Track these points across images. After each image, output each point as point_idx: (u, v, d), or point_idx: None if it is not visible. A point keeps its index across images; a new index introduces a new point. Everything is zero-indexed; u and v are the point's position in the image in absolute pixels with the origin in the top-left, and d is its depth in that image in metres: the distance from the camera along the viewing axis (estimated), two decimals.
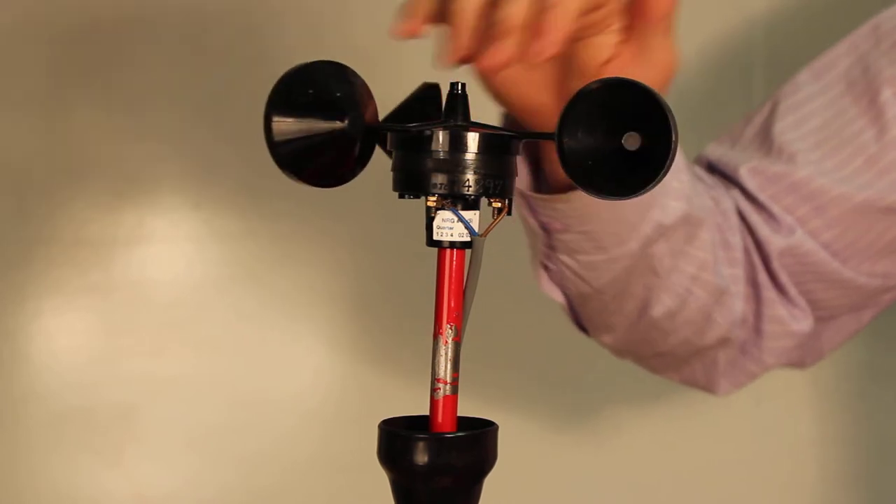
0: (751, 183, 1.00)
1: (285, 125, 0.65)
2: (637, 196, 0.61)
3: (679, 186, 0.91)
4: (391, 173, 0.66)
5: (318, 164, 0.66)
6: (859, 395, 1.57)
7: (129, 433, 1.51)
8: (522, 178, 0.89)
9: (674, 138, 0.60)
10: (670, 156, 0.60)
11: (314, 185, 0.66)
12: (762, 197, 1.00)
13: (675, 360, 1.04)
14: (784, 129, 1.02)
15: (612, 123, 0.61)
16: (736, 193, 1.01)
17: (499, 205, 0.65)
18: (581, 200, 0.86)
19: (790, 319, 1.00)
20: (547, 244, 0.92)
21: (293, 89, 0.65)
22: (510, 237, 1.50)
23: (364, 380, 1.53)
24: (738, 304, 1.00)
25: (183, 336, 1.51)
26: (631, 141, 0.61)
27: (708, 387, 1.06)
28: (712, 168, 1.05)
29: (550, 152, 0.85)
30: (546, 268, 0.96)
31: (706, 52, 1.52)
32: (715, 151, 1.06)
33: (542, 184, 0.90)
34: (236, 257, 1.51)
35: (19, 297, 1.49)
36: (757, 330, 1.02)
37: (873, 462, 1.57)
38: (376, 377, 1.53)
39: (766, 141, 1.03)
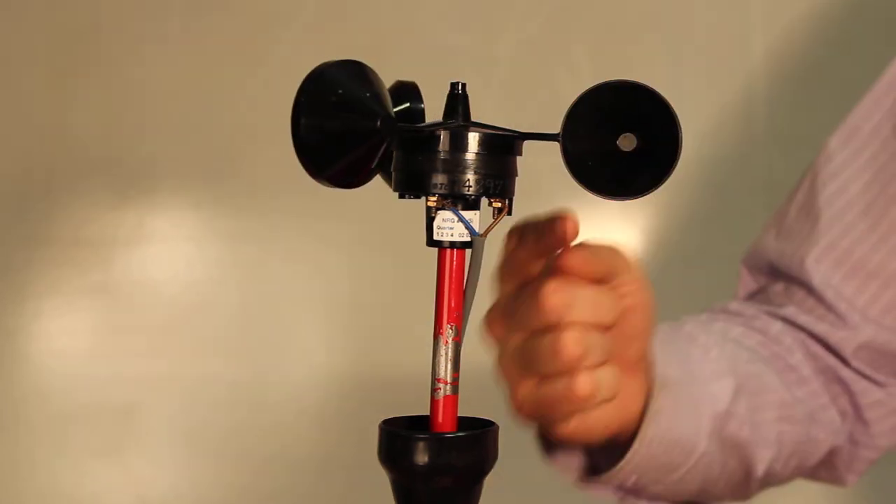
0: (817, 275, 0.99)
1: (315, 125, 0.63)
2: (643, 196, 0.61)
3: (715, 367, 0.91)
4: (392, 173, 0.66)
5: (343, 164, 0.65)
6: None
7: (130, 433, 1.51)
8: (573, 467, 0.89)
9: (679, 138, 0.60)
10: (677, 156, 0.60)
11: (336, 186, 0.65)
12: (829, 292, 0.99)
13: (792, 479, 1.04)
14: (828, 199, 1.01)
15: (616, 125, 0.61)
16: (791, 310, 1.00)
17: (499, 205, 0.64)
18: (640, 453, 0.85)
19: (889, 398, 1.00)
20: (630, 493, 0.92)
21: (322, 89, 0.64)
22: None
23: (364, 380, 1.53)
24: (831, 413, 1.00)
25: (183, 336, 1.51)
26: (626, 142, 0.61)
27: (834, 483, 1.06)
28: (775, 270, 1.03)
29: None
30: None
31: (705, 53, 1.52)
32: (771, 247, 1.04)
33: (597, 465, 0.90)
34: (236, 257, 1.51)
35: (20, 297, 1.50)
36: (861, 420, 1.01)
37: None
38: (376, 377, 1.52)
39: (811, 215, 1.02)
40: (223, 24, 1.49)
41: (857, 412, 1.02)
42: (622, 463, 0.85)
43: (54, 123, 1.49)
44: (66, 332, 1.50)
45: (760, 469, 0.96)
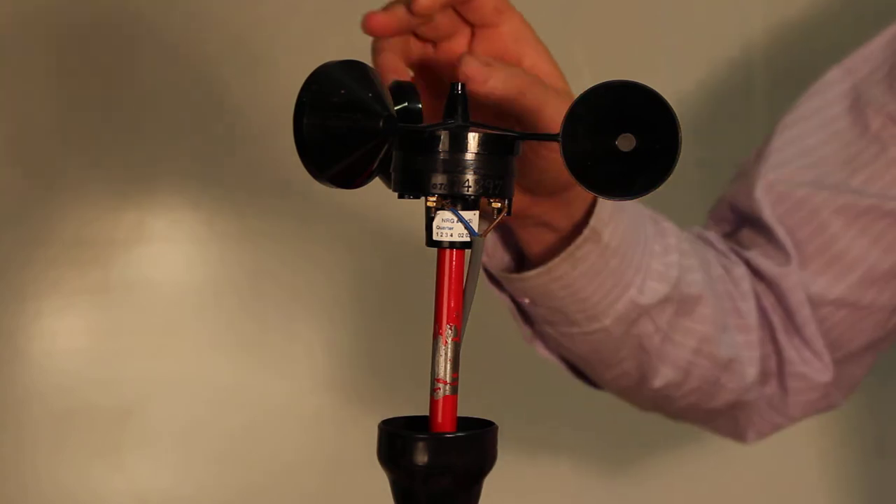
0: (766, 208, 1.00)
1: (317, 125, 0.63)
2: (642, 196, 0.62)
3: (662, 269, 0.91)
4: (391, 173, 0.66)
5: (345, 165, 0.65)
6: (860, 390, 1.57)
7: (129, 433, 1.51)
8: (493, 256, 0.90)
9: (679, 139, 0.61)
10: (676, 156, 0.61)
11: (337, 187, 0.65)
12: (779, 231, 0.99)
13: (689, 418, 1.05)
14: (780, 145, 1.03)
15: (616, 125, 0.61)
16: (753, 253, 1.01)
17: (498, 205, 0.65)
18: (535, 280, 0.86)
19: (813, 373, 1.01)
20: (521, 316, 0.93)
21: (325, 88, 0.64)
22: None
23: (363, 380, 1.53)
24: (751, 370, 1.00)
25: (183, 336, 1.51)
26: (625, 142, 0.61)
27: (733, 438, 1.08)
28: (736, 212, 1.04)
29: (524, 234, 0.86)
30: (539, 337, 0.97)
31: (705, 53, 1.52)
32: (728, 191, 1.06)
33: (516, 260, 0.91)
34: (236, 257, 1.51)
35: (19, 298, 1.50)
36: (782, 386, 1.02)
37: (874, 459, 1.57)
38: (376, 377, 1.53)
39: (761, 156, 1.03)
40: (223, 24, 1.49)
41: (780, 378, 1.02)
42: (523, 274, 0.87)
43: (54, 123, 1.50)
44: (66, 332, 1.50)
45: (657, 383, 0.96)
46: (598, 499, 1.56)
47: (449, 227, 0.64)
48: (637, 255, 0.89)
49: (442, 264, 0.65)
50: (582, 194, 0.84)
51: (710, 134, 1.51)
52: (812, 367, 1.01)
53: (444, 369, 0.65)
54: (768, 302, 1.00)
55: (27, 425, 1.50)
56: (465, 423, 0.66)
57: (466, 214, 0.64)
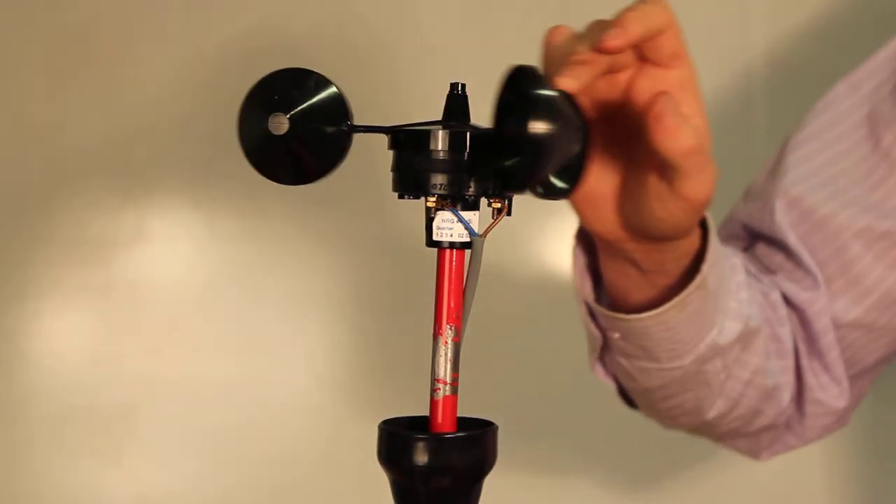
0: (790, 233, 0.99)
1: (254, 127, 0.72)
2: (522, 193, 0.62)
3: (737, 307, 0.91)
4: (391, 173, 0.66)
5: (286, 163, 0.68)
6: None
7: (129, 433, 1.51)
8: (585, 286, 0.90)
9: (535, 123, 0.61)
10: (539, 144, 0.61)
11: (283, 183, 0.69)
12: (803, 252, 0.99)
13: (720, 439, 1.05)
14: (795, 161, 1.02)
15: (516, 114, 0.62)
16: (780, 277, 1.00)
17: (498, 205, 0.65)
18: (641, 322, 0.86)
19: (830, 400, 1.01)
20: (603, 345, 0.93)
21: (262, 94, 0.70)
22: (510, 237, 1.50)
23: (364, 380, 1.53)
24: (786, 395, 1.01)
25: (183, 336, 1.51)
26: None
27: (748, 454, 1.08)
28: (750, 232, 1.04)
29: (609, 263, 0.86)
30: (600, 359, 0.96)
31: (705, 53, 1.52)
32: (740, 211, 1.06)
33: (601, 292, 0.91)
34: (236, 257, 1.51)
35: (19, 297, 1.50)
36: (800, 410, 1.02)
37: (876, 458, 1.57)
38: (376, 377, 1.53)
39: (777, 175, 1.03)
40: (223, 24, 1.49)
41: (799, 402, 1.03)
42: (631, 315, 0.86)
43: (54, 123, 1.50)
44: (66, 332, 1.50)
45: (710, 415, 0.96)
46: (600, 496, 1.56)
47: (449, 227, 0.64)
48: (722, 296, 0.89)
49: (442, 264, 0.65)
50: (687, 243, 0.83)
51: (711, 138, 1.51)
52: (829, 393, 1.01)
53: (444, 369, 0.65)
54: (793, 326, 1.00)
55: (27, 424, 1.50)
56: (465, 423, 0.66)
57: (466, 215, 0.64)
